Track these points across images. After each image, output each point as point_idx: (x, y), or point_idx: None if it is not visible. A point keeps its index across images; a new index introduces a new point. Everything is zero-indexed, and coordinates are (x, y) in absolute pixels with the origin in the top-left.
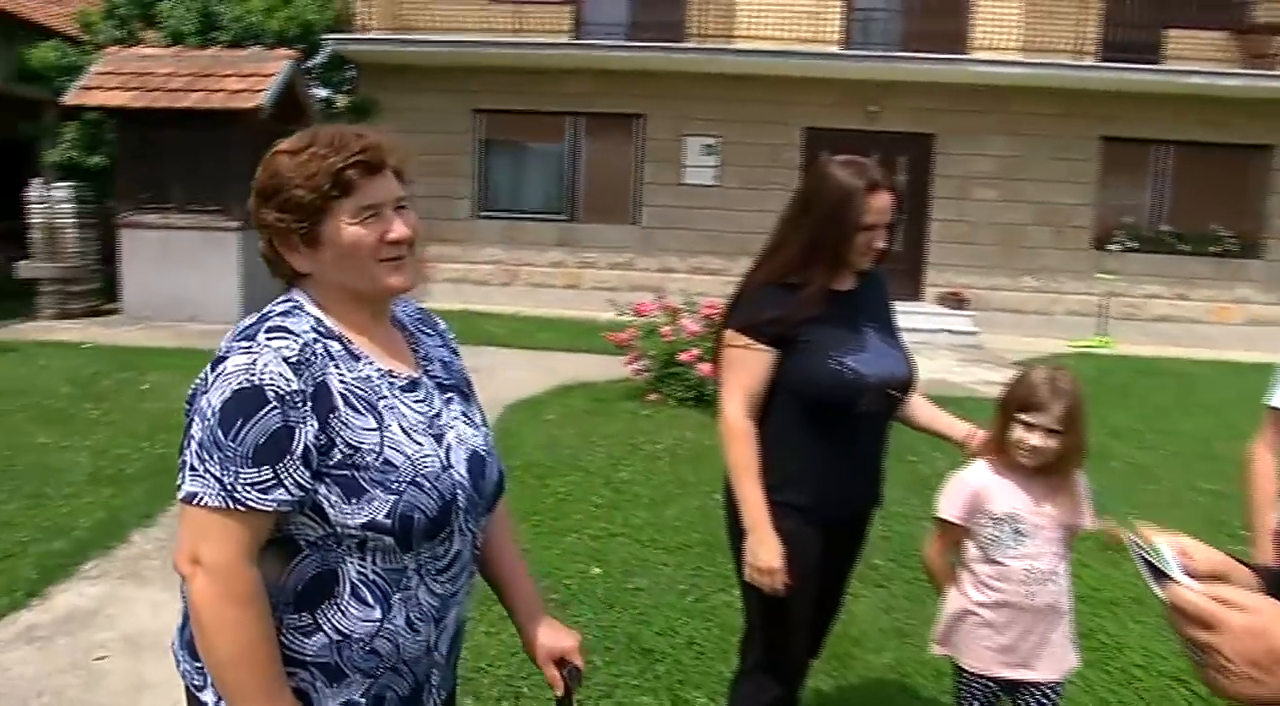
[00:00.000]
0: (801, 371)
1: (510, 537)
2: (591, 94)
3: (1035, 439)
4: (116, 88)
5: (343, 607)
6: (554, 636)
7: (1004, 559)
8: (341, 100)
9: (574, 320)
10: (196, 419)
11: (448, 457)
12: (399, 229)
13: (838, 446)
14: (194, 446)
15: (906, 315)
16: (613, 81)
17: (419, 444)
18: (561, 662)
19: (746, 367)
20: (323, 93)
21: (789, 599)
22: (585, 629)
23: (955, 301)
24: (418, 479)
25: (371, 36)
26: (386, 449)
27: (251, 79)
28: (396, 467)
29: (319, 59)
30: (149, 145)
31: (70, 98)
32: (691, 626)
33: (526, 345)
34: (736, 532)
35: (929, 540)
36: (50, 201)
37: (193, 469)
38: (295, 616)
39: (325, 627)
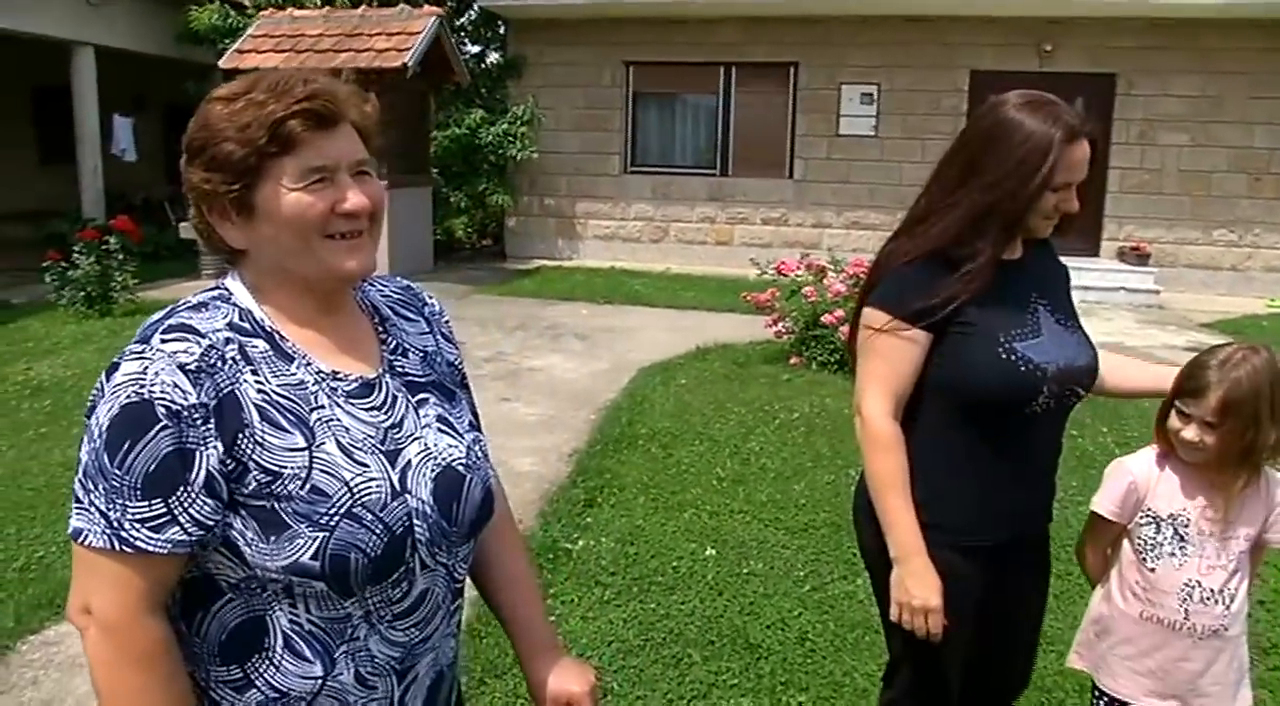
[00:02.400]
0: (962, 363)
1: (517, 555)
2: (744, 43)
3: (1189, 431)
4: (270, 50)
5: (276, 662)
6: (561, 678)
7: (1160, 568)
8: (492, 56)
9: (723, 277)
10: (85, 439)
11: (402, 480)
12: (354, 198)
13: (1005, 454)
14: (80, 473)
15: (1079, 272)
16: (766, 29)
17: (362, 465)
18: None
19: (892, 356)
20: (473, 49)
21: (942, 641)
22: (689, 619)
23: (1136, 256)
24: (355, 509)
25: None
26: (316, 473)
27: (398, 38)
28: (328, 497)
29: (469, 15)
30: None
31: (225, 61)
32: (805, 619)
33: (670, 304)
34: (874, 553)
35: (1084, 534)
36: None
37: (78, 500)
38: (223, 670)
39: (259, 683)
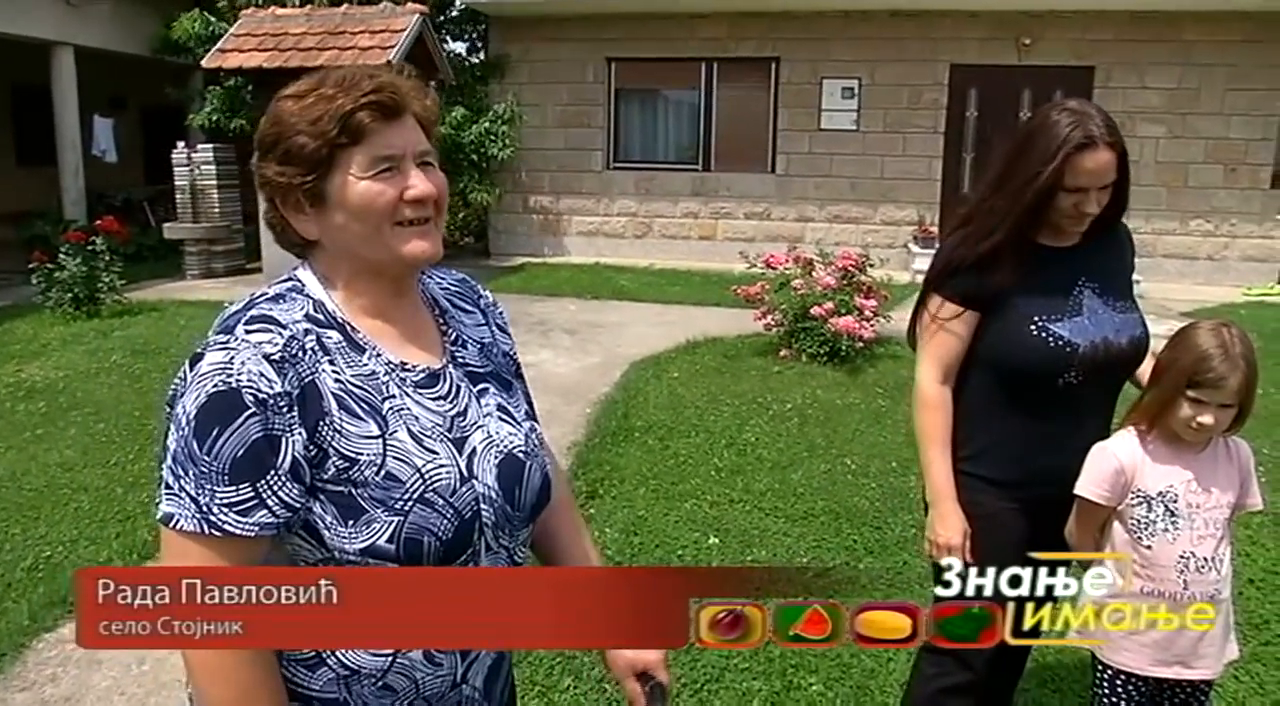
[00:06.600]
0: (999, 337)
1: (578, 532)
2: (725, 38)
3: (1207, 416)
4: (252, 49)
5: None
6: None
7: (1156, 544)
8: (476, 54)
9: (708, 272)
10: (172, 427)
11: (469, 467)
12: (421, 185)
13: (1042, 420)
14: (169, 460)
15: None
16: (747, 24)
17: (432, 452)
18: (644, 676)
19: (940, 331)
20: (456, 47)
21: None
22: None
23: None
24: (427, 495)
25: None
26: (390, 460)
27: (381, 35)
28: (401, 482)
29: (452, 13)
30: None
31: (208, 61)
32: None
33: (657, 299)
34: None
35: (1071, 519)
36: (193, 164)
37: (168, 486)
38: (297, 648)
39: (330, 661)
